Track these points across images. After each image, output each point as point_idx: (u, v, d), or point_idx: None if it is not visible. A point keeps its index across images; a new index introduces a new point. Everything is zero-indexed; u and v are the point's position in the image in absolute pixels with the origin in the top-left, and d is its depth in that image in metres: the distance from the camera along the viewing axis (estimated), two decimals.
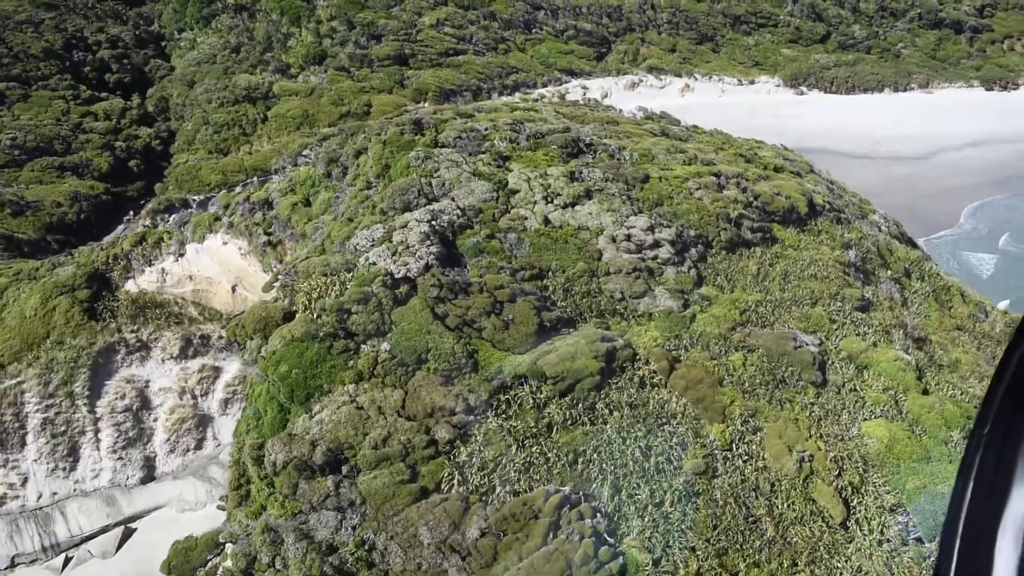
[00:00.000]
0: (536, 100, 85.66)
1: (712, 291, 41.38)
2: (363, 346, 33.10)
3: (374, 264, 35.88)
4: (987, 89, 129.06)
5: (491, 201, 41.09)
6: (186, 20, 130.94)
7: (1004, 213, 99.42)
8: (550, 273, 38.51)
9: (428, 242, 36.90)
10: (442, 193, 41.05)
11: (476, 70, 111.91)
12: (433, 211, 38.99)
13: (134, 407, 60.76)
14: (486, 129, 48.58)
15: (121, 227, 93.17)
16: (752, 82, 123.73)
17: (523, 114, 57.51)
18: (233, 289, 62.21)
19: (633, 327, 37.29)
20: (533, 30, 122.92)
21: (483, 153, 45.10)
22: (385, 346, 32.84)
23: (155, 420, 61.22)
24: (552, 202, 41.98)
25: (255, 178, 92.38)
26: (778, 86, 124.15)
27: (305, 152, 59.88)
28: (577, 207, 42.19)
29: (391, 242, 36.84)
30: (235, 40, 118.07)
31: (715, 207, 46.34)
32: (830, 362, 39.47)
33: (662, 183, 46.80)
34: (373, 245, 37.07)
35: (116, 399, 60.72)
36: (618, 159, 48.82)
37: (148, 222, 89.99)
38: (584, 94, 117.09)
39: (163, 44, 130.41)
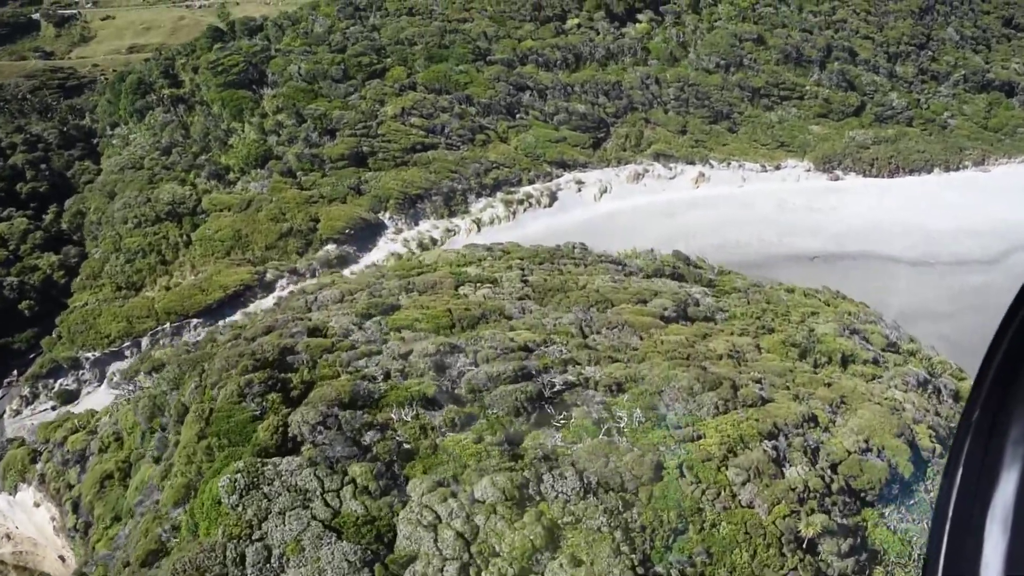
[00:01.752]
0: (501, 254, 66.57)
1: None
2: None
3: None
4: None
5: None
6: (120, 113, 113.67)
7: None
8: None
9: None
10: None
11: (448, 168, 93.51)
12: None
13: None
14: (383, 381, 29.30)
15: None
16: (778, 167, 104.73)
17: (467, 299, 38.40)
18: (62, 559, 43.28)
19: None
20: (517, 115, 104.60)
21: (363, 457, 25.60)
22: None
23: None
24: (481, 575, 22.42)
25: (168, 325, 74.17)
26: (808, 171, 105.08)
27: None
28: None
29: None
30: (168, 139, 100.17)
31: (775, 519, 26.73)
32: None
33: (683, 479, 27.25)
34: None
35: None
36: (607, 426, 29.31)
37: (27, 391, 71.58)
38: (579, 190, 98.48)
39: (95, 141, 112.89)
